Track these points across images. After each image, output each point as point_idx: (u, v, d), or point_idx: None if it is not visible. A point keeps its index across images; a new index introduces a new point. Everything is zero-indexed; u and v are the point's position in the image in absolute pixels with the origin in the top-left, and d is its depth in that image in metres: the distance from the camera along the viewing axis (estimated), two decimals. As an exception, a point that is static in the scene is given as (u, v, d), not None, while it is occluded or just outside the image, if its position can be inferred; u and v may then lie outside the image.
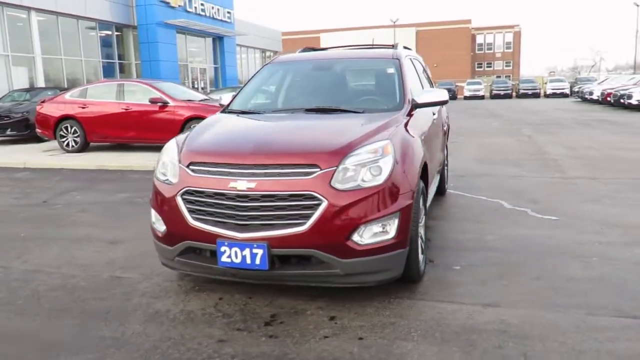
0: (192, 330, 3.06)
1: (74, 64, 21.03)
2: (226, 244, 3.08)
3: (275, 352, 2.79)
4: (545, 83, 50.06)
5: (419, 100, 4.15)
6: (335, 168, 3.06)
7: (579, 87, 37.35)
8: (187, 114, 10.23)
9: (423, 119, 4.31)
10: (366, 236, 3.08)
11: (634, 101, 24.80)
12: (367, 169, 3.11)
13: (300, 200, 3.03)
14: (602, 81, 36.73)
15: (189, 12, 25.05)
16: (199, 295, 3.57)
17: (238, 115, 4.22)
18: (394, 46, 5.11)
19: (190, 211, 3.23)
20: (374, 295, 3.43)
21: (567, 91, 46.01)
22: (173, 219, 3.32)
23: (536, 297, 3.39)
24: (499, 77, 72.13)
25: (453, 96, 50.14)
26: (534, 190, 6.64)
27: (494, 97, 48.54)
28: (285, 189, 3.03)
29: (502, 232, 4.84)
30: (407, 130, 3.65)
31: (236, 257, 3.07)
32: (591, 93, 31.28)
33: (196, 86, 26.23)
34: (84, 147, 11.02)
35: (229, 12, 28.89)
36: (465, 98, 50.11)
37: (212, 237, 3.14)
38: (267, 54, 37.49)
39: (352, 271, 3.10)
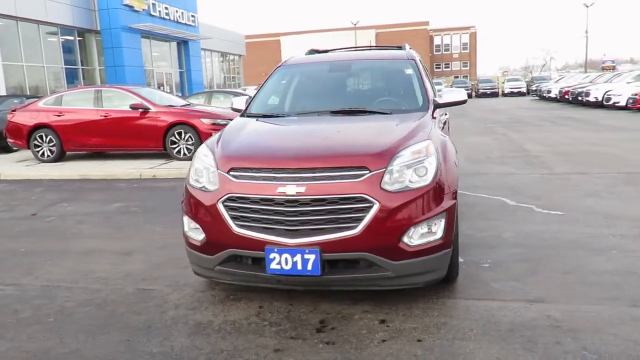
0: (243, 341, 2.98)
1: (36, 71, 20.28)
2: (276, 250, 3.02)
3: (338, 359, 2.75)
4: (503, 82, 51.42)
5: (440, 101, 4.19)
6: (384, 170, 3.05)
7: (537, 86, 38.61)
8: (170, 119, 10.01)
9: (443, 118, 4.35)
10: (415, 237, 3.08)
11: (591, 98, 25.83)
12: (413, 170, 3.11)
13: (352, 203, 3.00)
14: (559, 79, 38.06)
15: (153, 16, 24.56)
16: (237, 304, 3.48)
17: (263, 119, 4.14)
18: (401, 47, 5.14)
19: (234, 218, 3.15)
20: (416, 297, 3.44)
21: (524, 90, 47.43)
22: (214, 227, 3.23)
23: (573, 292, 3.47)
24: (457, 77, 73.82)
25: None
26: (530, 186, 6.80)
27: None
28: (335, 192, 3.00)
29: (516, 228, 4.93)
30: (439, 130, 3.68)
31: (286, 263, 3.02)
32: (549, 91, 32.36)
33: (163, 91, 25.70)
34: (60, 157, 10.63)
35: (193, 16, 28.48)
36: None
37: (260, 244, 3.07)
38: (230, 57, 37.11)
39: (403, 273, 3.09)
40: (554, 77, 47.55)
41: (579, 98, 27.08)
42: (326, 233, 3.00)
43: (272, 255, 3.03)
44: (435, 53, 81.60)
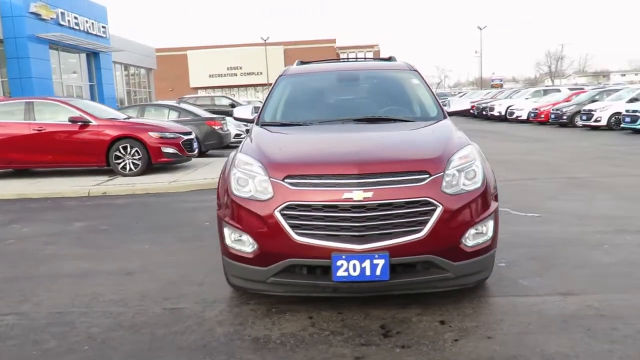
0: (316, 352, 2.90)
1: None
2: (344, 257, 2.98)
3: (431, 360, 2.76)
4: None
5: (448, 110, 4.38)
6: (442, 173, 3.13)
7: (442, 102, 40.99)
8: (114, 133, 9.44)
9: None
10: (471, 238, 3.18)
11: (495, 112, 27.99)
12: (464, 173, 3.23)
13: (417, 207, 3.05)
14: (462, 95, 40.72)
15: (62, 25, 23.05)
16: (284, 317, 3.37)
17: (286, 128, 4.06)
18: (391, 59, 5.29)
19: (294, 227, 3.07)
20: (458, 297, 3.53)
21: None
22: (270, 237, 3.13)
23: (593, 283, 3.74)
24: (363, 93, 76.40)
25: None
26: (494, 192, 7.21)
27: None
28: (400, 196, 3.03)
29: (508, 230, 5.20)
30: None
31: (354, 270, 2.99)
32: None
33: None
34: (-17, 175, 9.63)
35: (103, 27, 27.10)
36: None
37: (325, 252, 3.02)
38: (136, 71, 35.64)
39: (461, 273, 3.18)
40: (455, 94, 50.93)
41: (484, 112, 29.22)
42: (393, 237, 3.01)
43: (339, 263, 2.99)
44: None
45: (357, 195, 3.00)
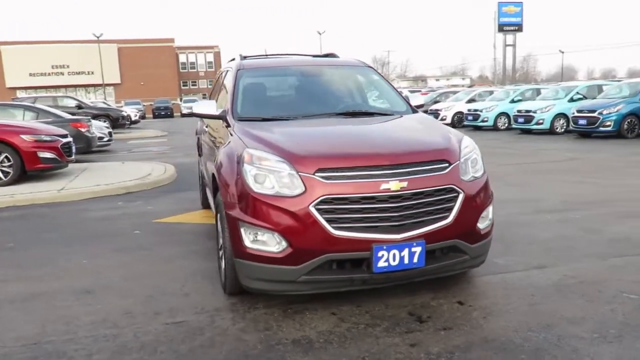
0: (368, 345, 2.87)
1: None
2: (384, 247, 2.99)
3: (477, 338, 2.89)
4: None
5: (412, 104, 4.59)
6: (458, 162, 3.30)
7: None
8: (-24, 136, 8.04)
9: None
10: (481, 222, 3.41)
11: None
12: (470, 161, 3.44)
13: (444, 194, 3.18)
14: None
15: None
16: (305, 316, 3.26)
17: (270, 122, 3.88)
18: (331, 55, 5.35)
19: (330, 221, 2.99)
20: (455, 281, 3.73)
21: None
22: (304, 233, 3.00)
23: (553, 256, 4.23)
24: (204, 95, 74.86)
25: (170, 114, 50.32)
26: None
27: (212, 114, 50.33)
28: (430, 185, 3.13)
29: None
30: (446, 129, 4.08)
31: (394, 259, 3.02)
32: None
33: None
34: None
35: None
36: (183, 115, 50.72)
37: (365, 244, 2.99)
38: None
39: (475, 255, 3.39)
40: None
41: None
42: (427, 225, 3.10)
43: (380, 253, 2.99)
44: (182, 71, 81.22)
45: (394, 185, 3.03)
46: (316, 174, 3.04)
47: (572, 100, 15.77)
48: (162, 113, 49.66)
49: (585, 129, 13.80)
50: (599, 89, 16.52)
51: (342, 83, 4.76)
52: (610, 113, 13.26)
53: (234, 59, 5.61)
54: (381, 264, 3.01)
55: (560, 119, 15.54)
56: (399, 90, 4.67)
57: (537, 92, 18.78)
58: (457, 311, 3.27)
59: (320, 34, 62.66)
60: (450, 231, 3.17)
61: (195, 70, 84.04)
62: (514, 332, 2.95)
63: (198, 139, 6.44)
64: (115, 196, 7.59)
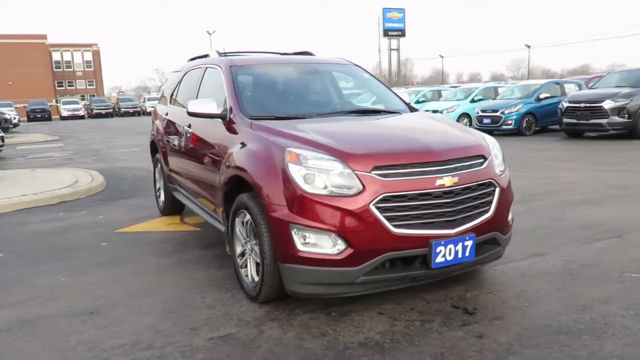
0: (438, 340, 2.87)
1: None
2: (442, 243, 3.02)
3: (532, 324, 3.01)
4: (144, 101, 51.95)
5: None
6: (491, 157, 3.43)
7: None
8: None
9: None
10: (510, 214, 3.57)
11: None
12: (497, 156, 3.58)
13: (485, 188, 3.28)
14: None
15: None
16: (354, 318, 3.19)
17: (283, 121, 3.73)
18: (307, 53, 5.28)
19: (390, 219, 2.96)
20: (475, 273, 3.86)
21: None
22: (364, 233, 2.93)
23: (545, 244, 4.51)
24: (83, 96, 69.90)
25: (48, 117, 46.26)
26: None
27: (95, 116, 47.32)
28: (475, 179, 3.22)
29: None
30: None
31: (450, 254, 3.06)
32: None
33: None
34: None
35: None
36: (63, 118, 47.11)
37: (423, 241, 3.00)
38: None
39: (505, 245, 3.54)
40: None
41: None
42: (474, 219, 3.18)
43: (439, 249, 3.02)
44: (56, 70, 75.03)
45: (448, 181, 3.07)
46: (373, 172, 2.98)
47: (473, 101, 17.02)
48: (39, 116, 45.37)
49: (489, 127, 14.93)
50: (495, 90, 18.01)
51: (341, 82, 4.71)
52: (511, 112, 14.49)
53: (203, 56, 5.34)
54: (439, 259, 3.03)
55: (464, 118, 16.66)
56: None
57: (439, 93, 20.00)
58: (495, 301, 3.38)
59: (210, 33, 61.40)
60: (491, 224, 3.28)
61: (71, 69, 78.13)
62: (561, 315, 3.12)
63: (155, 141, 6.01)
64: (49, 206, 6.84)
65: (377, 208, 2.94)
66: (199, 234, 5.23)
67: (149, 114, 47.29)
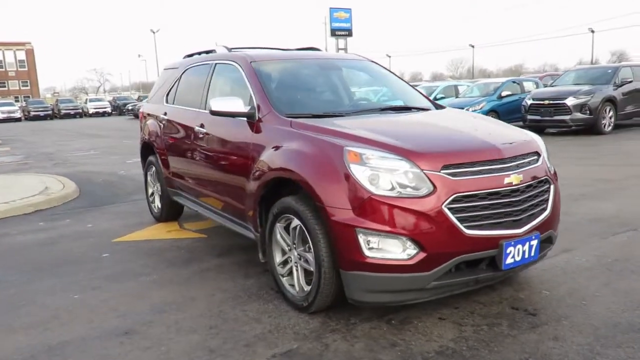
0: (515, 344, 2.77)
1: None
2: (512, 243, 2.91)
3: (601, 323, 2.96)
4: (86, 102, 49.82)
5: None
6: (543, 154, 3.36)
7: (134, 105, 39.38)
8: None
9: None
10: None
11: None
12: (544, 153, 3.51)
13: (542, 186, 3.20)
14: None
15: None
16: (417, 325, 3.04)
17: (324, 119, 3.52)
18: (316, 49, 5.09)
19: (462, 220, 2.82)
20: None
21: (109, 110, 47.58)
22: (437, 235, 2.78)
23: (566, 239, 4.45)
24: (17, 98, 66.12)
25: (-17, 119, 43.42)
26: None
27: (33, 118, 44.88)
28: (535, 177, 3.14)
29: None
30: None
31: (518, 254, 2.96)
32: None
33: None
34: None
35: None
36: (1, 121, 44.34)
37: (493, 242, 2.88)
38: None
39: (554, 243, 3.48)
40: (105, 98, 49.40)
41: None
42: (536, 217, 3.10)
43: (509, 250, 2.91)
44: (-15, 70, 70.63)
45: (515, 178, 2.97)
46: (442, 171, 2.83)
47: (435, 99, 17.24)
48: (-31, 118, 42.55)
49: (454, 125, 15.14)
50: (456, 89, 18.34)
51: (362, 78, 4.53)
52: (475, 110, 14.76)
53: (206, 52, 5.05)
54: (509, 260, 2.92)
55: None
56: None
57: (456, 89, 20.11)
58: (550, 300, 3.32)
59: (154, 32, 59.62)
60: (549, 222, 3.21)
61: (3, 69, 73.86)
62: (624, 312, 3.09)
63: (148, 143, 5.63)
64: (25, 216, 6.29)
65: (449, 209, 2.79)
66: (207, 241, 4.92)
67: (92, 115, 45.88)
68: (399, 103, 4.14)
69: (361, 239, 2.81)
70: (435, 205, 2.77)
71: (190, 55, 5.47)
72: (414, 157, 2.85)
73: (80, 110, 47.04)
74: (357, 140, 3.02)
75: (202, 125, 4.36)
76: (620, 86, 13.13)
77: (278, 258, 3.44)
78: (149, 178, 5.82)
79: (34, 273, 4.21)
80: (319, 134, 3.18)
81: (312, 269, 3.11)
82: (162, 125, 5.26)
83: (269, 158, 3.39)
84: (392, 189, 2.80)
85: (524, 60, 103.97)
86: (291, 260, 3.34)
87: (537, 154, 3.29)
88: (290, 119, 3.48)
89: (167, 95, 5.41)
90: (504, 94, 15.24)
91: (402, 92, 4.45)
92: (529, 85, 16.40)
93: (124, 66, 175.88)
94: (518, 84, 16.40)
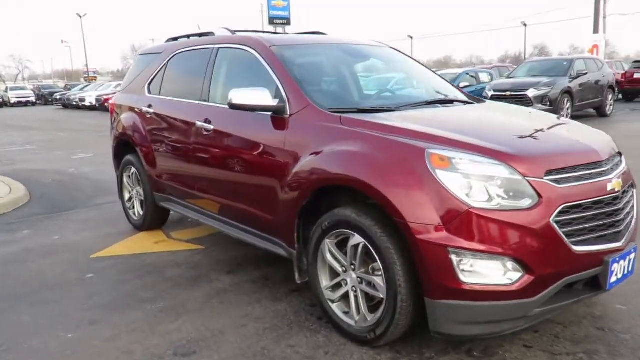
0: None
1: None
2: (617, 259, 2.53)
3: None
4: (6, 91, 46.16)
5: None
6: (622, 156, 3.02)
7: (63, 95, 36.81)
8: None
9: None
10: None
11: (87, 103, 29.62)
12: None
13: (631, 190, 2.85)
14: (84, 87, 37.39)
15: None
16: (504, 356, 2.62)
17: (373, 114, 2.99)
18: (322, 33, 4.54)
19: (568, 235, 2.40)
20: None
21: (33, 99, 44.45)
22: (544, 254, 2.34)
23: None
24: None
25: None
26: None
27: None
28: (627, 181, 2.79)
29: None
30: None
31: (620, 271, 2.59)
32: (83, 100, 31.72)
33: None
34: None
35: None
36: None
37: (597, 258, 2.48)
38: None
39: None
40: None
41: (74, 103, 31.40)
42: (629, 226, 2.73)
43: (614, 267, 2.53)
44: None
45: (617, 184, 2.58)
46: (546, 178, 2.39)
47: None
48: None
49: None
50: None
51: (394, 67, 4.02)
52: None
53: (199, 35, 4.39)
54: (613, 278, 2.54)
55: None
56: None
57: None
58: (632, 315, 2.99)
59: (80, 17, 56.16)
60: (636, 231, 2.86)
61: None
62: None
63: (127, 140, 4.87)
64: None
65: (556, 222, 2.36)
66: (207, 254, 4.27)
67: (15, 105, 42.45)
68: (439, 95, 3.67)
69: (455, 261, 2.32)
70: (542, 219, 2.33)
71: (175, 39, 4.76)
72: (512, 160, 2.39)
73: (0, 100, 43.53)
74: (436, 141, 2.53)
75: (207, 121, 3.70)
76: (576, 78, 13.38)
77: (326, 281, 2.90)
78: (125, 180, 5.05)
79: (6, 303, 3.43)
80: (385, 133, 2.65)
81: (380, 296, 2.59)
82: (147, 120, 4.53)
83: (316, 161, 2.83)
84: (490, 199, 2.34)
85: (452, 53, 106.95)
86: (346, 284, 2.81)
87: (620, 154, 2.93)
88: (338, 114, 2.92)
89: (150, 84, 4.67)
90: (462, 85, 15.19)
91: (431, 81, 3.98)
92: (484, 77, 16.51)
93: (46, 53, 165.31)
94: (473, 76, 16.46)
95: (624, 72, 19.62)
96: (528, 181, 2.36)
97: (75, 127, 18.44)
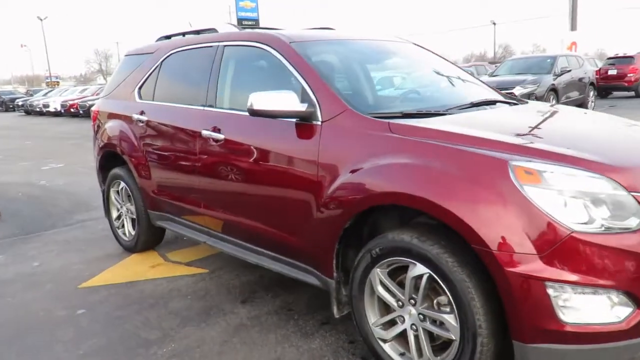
0: None
1: None
2: None
3: None
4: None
5: None
6: None
7: (25, 101, 35.38)
8: None
9: None
10: None
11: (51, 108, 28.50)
12: None
13: None
14: (47, 93, 36.03)
15: None
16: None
17: (419, 119, 2.57)
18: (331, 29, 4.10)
19: (669, 258, 2.02)
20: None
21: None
22: (655, 285, 1.96)
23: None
24: None
25: None
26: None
27: None
28: None
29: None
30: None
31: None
32: (47, 105, 30.53)
33: None
34: None
35: None
36: None
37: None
38: None
39: None
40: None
41: (37, 109, 30.74)
42: None
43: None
44: None
45: None
46: (643, 191, 2.01)
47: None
48: None
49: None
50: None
51: (421, 64, 3.60)
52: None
53: (197, 31, 3.91)
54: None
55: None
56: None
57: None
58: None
59: (41, 19, 54.38)
60: None
61: None
62: None
63: (113, 151, 4.33)
64: None
65: (665, 247, 1.97)
66: (213, 280, 3.77)
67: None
68: (479, 95, 3.27)
69: (554, 297, 1.91)
70: (650, 241, 1.94)
71: (168, 37, 4.25)
72: (613, 172, 2.00)
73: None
74: (517, 150, 2.11)
75: (215, 129, 3.21)
76: (560, 75, 13.28)
77: (375, 317, 2.47)
78: (113, 196, 4.50)
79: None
80: (450, 142, 2.22)
81: (452, 337, 2.17)
82: (137, 129, 4.00)
83: (363, 177, 2.39)
84: (591, 221, 1.93)
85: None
86: (403, 321, 2.37)
87: None
88: (385, 120, 2.48)
89: (140, 88, 4.14)
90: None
91: (465, 79, 3.57)
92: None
93: (3, 57, 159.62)
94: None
95: (597, 69, 19.78)
96: (634, 197, 1.97)
97: (42, 135, 17.50)
